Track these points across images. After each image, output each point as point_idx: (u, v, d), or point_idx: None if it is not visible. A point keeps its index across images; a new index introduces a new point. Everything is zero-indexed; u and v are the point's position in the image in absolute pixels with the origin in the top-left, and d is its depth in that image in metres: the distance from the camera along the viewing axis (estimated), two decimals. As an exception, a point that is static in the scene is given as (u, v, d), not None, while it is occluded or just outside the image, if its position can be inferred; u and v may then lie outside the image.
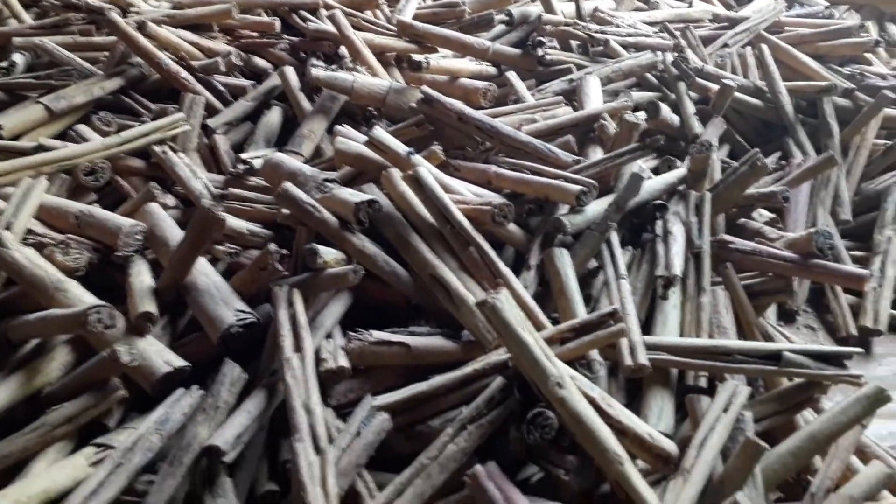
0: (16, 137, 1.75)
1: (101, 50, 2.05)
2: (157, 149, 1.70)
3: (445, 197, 1.30)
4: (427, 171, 1.34)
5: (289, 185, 1.31)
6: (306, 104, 1.87)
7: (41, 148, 1.65)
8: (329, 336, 1.20)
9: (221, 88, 1.95)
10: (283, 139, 1.86)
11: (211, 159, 1.82)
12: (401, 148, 1.44)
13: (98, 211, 1.39)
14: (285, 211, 1.36)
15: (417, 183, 1.33)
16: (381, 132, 1.44)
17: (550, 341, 1.10)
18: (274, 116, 1.89)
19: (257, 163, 1.65)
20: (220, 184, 1.68)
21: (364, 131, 1.74)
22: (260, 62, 2.13)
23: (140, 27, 1.92)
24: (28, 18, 2.24)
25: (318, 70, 1.80)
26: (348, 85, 1.81)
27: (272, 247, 1.24)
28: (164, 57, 1.90)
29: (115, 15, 1.88)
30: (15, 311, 1.25)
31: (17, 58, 2.01)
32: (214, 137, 1.83)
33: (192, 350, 1.20)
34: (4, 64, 1.98)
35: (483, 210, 1.32)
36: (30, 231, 1.35)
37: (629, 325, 1.18)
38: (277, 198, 1.32)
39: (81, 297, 1.18)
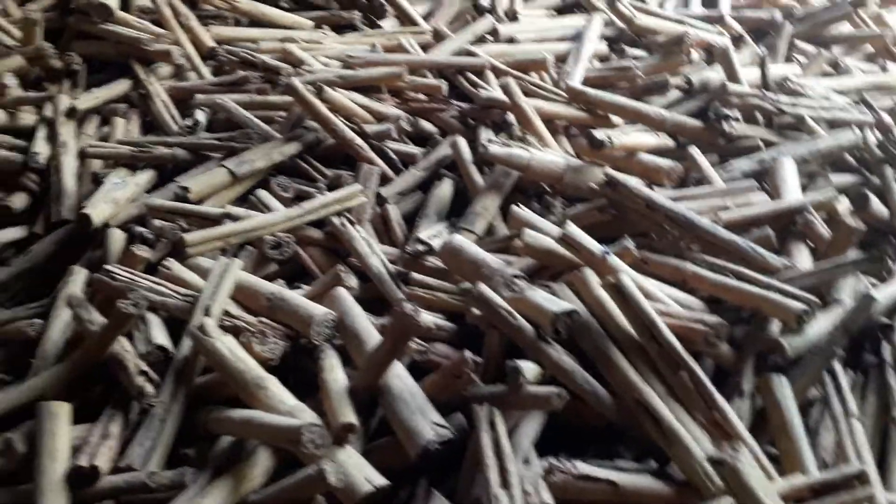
0: (201, 200, 1.82)
1: (276, 109, 2.11)
2: (335, 220, 1.70)
3: (653, 312, 1.21)
4: (630, 279, 1.26)
5: (483, 288, 1.26)
6: (478, 178, 1.83)
7: (227, 216, 1.70)
8: (526, 461, 1.13)
9: (393, 156, 1.95)
10: (453, 212, 1.83)
11: (383, 229, 1.81)
12: (596, 247, 1.36)
13: (289, 295, 1.39)
14: (475, 311, 1.31)
15: (618, 290, 1.25)
16: (574, 229, 1.37)
17: (785, 500, 0.99)
18: (445, 189, 1.86)
19: (434, 242, 1.62)
20: (394, 257, 1.67)
21: (537, 209, 1.69)
22: (426, 125, 2.12)
23: (318, 92, 1.94)
24: (207, 73, 2.34)
25: (495, 147, 1.76)
26: (525, 162, 1.75)
27: (467, 354, 1.19)
28: (340, 124, 1.92)
29: (296, 81, 1.92)
30: (212, 399, 1.27)
31: (200, 116, 2.10)
32: (387, 207, 1.82)
33: (385, 458, 1.16)
34: (189, 122, 2.06)
35: (695, 329, 1.22)
36: (225, 311, 1.37)
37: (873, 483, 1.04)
38: (468, 297, 1.27)
39: (282, 397, 1.18)
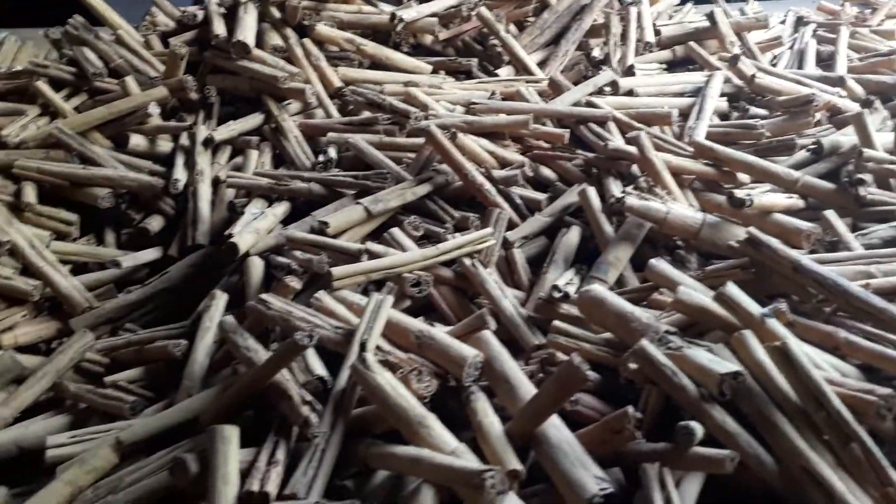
0: (335, 236, 1.88)
1: (403, 150, 2.17)
2: (466, 262, 1.74)
3: (821, 380, 1.19)
4: (797, 344, 1.24)
5: (646, 345, 1.26)
6: (608, 227, 1.84)
7: (367, 251, 1.75)
8: (693, 523, 1.11)
9: (519, 202, 1.98)
10: (578, 259, 1.84)
11: (507, 273, 1.83)
12: (755, 308, 1.34)
13: (438, 334, 1.41)
14: (631, 365, 1.31)
15: (783, 355, 1.23)
16: (734, 289, 1.36)
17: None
18: (573, 236, 1.87)
19: (569, 290, 1.63)
20: (521, 301, 1.69)
21: (673, 262, 1.68)
22: (546, 172, 2.16)
23: (452, 138, 2.00)
24: (335, 111, 2.43)
25: (632, 199, 1.77)
26: (662, 216, 1.75)
27: (630, 410, 1.19)
28: (471, 168, 1.96)
29: (432, 125, 1.97)
30: (366, 432, 1.29)
31: (332, 152, 2.18)
32: (513, 252, 1.85)
33: (543, 508, 1.16)
34: (323, 158, 2.14)
35: (865, 400, 1.19)
36: (377, 347, 1.41)
37: None
38: (631, 352, 1.27)
39: (444, 437, 1.19)
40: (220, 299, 1.76)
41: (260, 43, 2.55)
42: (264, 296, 1.54)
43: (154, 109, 2.30)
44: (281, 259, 1.77)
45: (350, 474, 1.25)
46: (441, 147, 1.96)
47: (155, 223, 2.17)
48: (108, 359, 1.81)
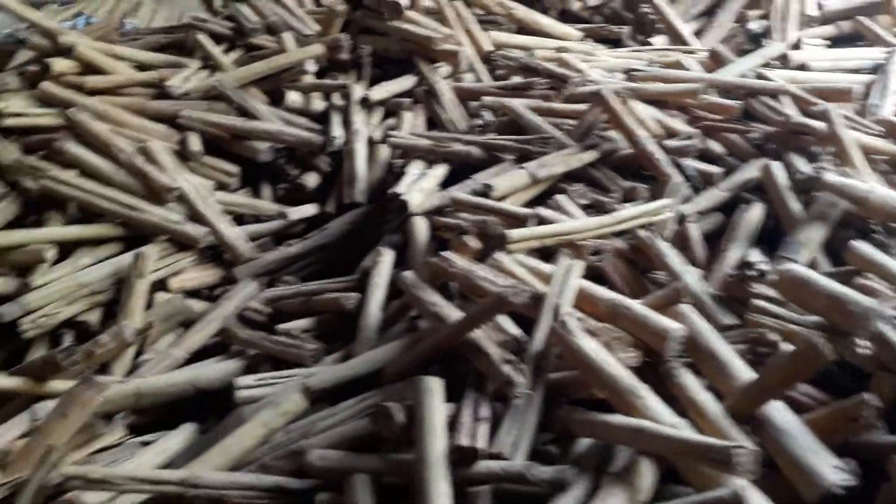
0: (498, 200, 1.83)
1: (561, 117, 2.10)
2: (642, 233, 1.66)
3: None
4: None
5: (885, 328, 1.15)
6: (795, 205, 1.72)
7: (536, 216, 1.69)
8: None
9: (693, 173, 1.88)
10: (761, 239, 1.73)
11: (680, 247, 1.74)
12: None
13: (634, 304, 1.35)
14: (862, 350, 1.20)
15: None
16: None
17: None
18: (756, 213, 1.76)
19: (763, 268, 1.53)
20: (701, 278, 1.60)
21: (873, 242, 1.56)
22: (714, 146, 2.04)
23: (623, 103, 1.91)
24: (485, 75, 2.38)
25: (831, 175, 1.64)
26: (862, 195, 1.62)
27: (867, 397, 1.10)
28: (642, 136, 1.88)
29: (607, 91, 1.89)
30: (564, 396, 1.25)
31: (488, 116, 2.13)
32: (688, 225, 1.75)
33: (771, 494, 1.08)
34: (481, 122, 2.10)
35: None
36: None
37: None
38: (869, 339, 1.17)
39: (659, 409, 1.13)
40: (388, 256, 1.74)
41: (413, 4, 2.52)
42: (445, 253, 1.51)
43: (311, 66, 2.31)
44: (451, 221, 1.74)
45: (549, 439, 1.21)
46: (613, 112, 1.88)
47: (311, 179, 2.18)
48: (272, 308, 1.83)
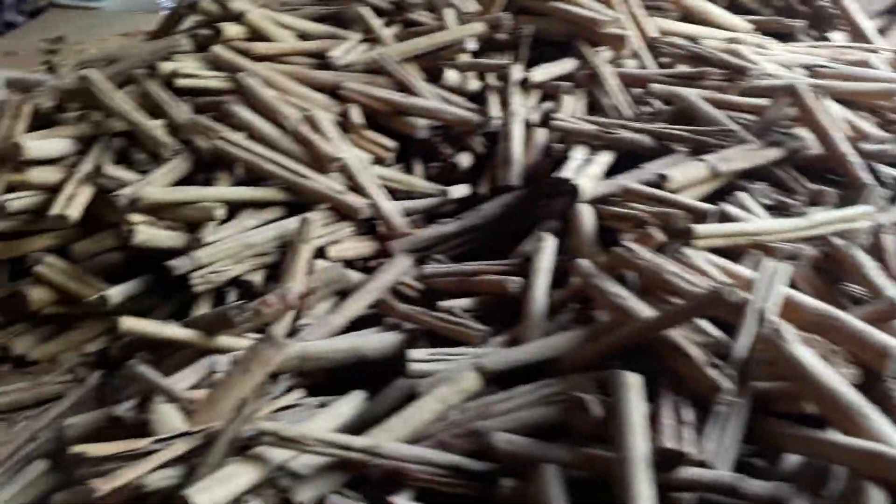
0: (673, 192, 1.74)
1: (737, 110, 1.98)
2: (837, 241, 1.53)
3: None
4: None
5: None
6: None
7: (721, 212, 1.60)
8: None
9: (890, 180, 1.73)
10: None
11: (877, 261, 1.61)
12: None
13: (846, 317, 1.24)
14: None
15: None
16: None
17: None
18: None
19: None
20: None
21: None
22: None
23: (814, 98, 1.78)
24: (650, 62, 2.28)
25: None
26: None
27: None
28: (837, 136, 1.74)
29: (801, 85, 1.76)
30: (770, 409, 1.16)
31: (658, 104, 2.04)
32: (885, 237, 1.61)
33: None
34: (650, 109, 2.01)
35: None
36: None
37: None
38: None
39: (886, 432, 1.03)
40: (550, 241, 1.69)
41: (573, -15, 2.44)
42: (629, 243, 1.44)
43: (471, 45, 2.27)
44: (621, 209, 1.67)
45: (752, 452, 1.13)
46: (806, 109, 1.75)
47: (465, 159, 2.15)
48: (425, 284, 1.81)
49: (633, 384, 1.11)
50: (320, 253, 1.88)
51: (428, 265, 1.88)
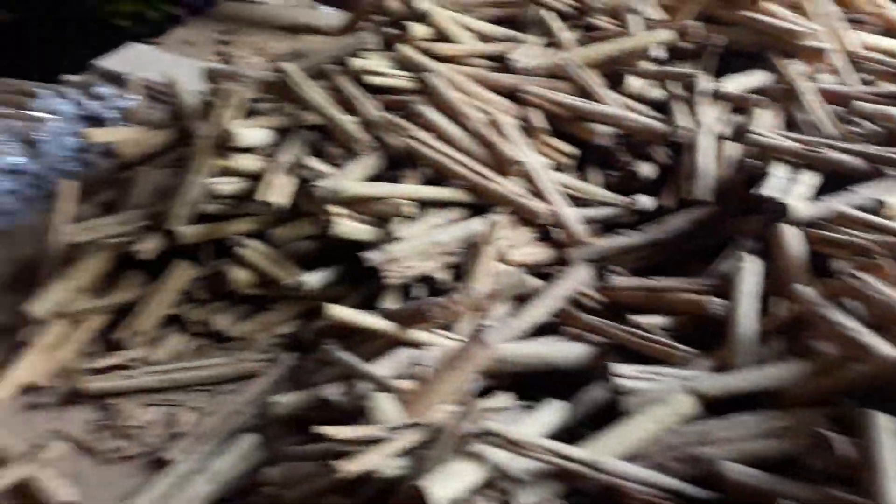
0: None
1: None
2: None
3: None
4: None
5: None
6: None
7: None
8: None
9: None
10: None
11: None
12: None
13: None
14: None
15: None
16: None
17: None
18: None
19: None
20: None
21: None
22: None
23: None
24: (852, 78, 2.15)
25: None
26: None
27: None
28: None
29: None
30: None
31: (866, 123, 1.92)
32: None
33: None
34: (860, 130, 1.90)
35: None
36: None
37: None
38: None
39: None
40: (754, 263, 1.62)
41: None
42: (858, 273, 1.36)
43: (658, 52, 2.22)
44: (834, 234, 1.58)
45: None
46: None
47: (646, 169, 2.10)
48: (607, 297, 1.79)
49: (885, 426, 1.05)
50: (499, 257, 1.90)
51: (608, 276, 1.86)
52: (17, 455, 1.67)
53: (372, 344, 1.71)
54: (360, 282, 1.92)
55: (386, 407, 1.34)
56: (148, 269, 2.10)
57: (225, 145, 2.00)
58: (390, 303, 1.81)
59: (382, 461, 1.14)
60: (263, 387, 1.83)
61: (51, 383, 1.88)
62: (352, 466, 1.11)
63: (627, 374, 1.39)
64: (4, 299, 2.17)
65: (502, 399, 1.41)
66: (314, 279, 1.91)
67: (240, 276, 1.97)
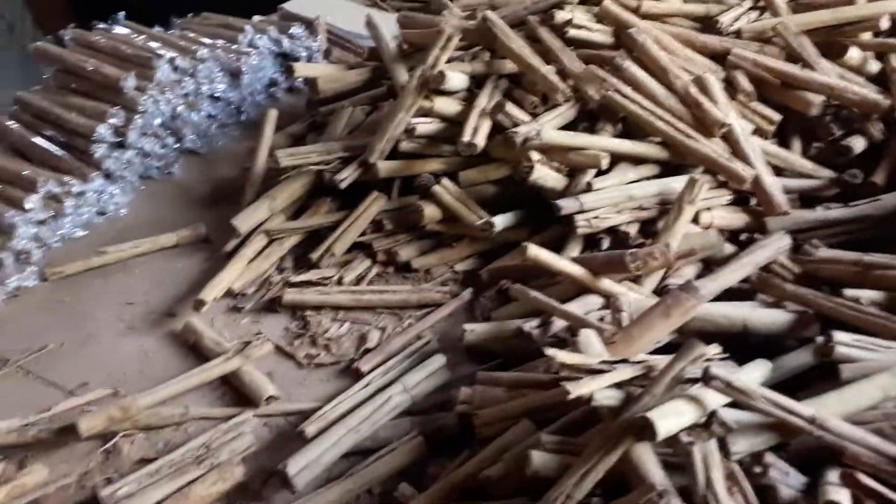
0: None
1: None
2: None
3: None
4: None
5: None
6: None
7: None
8: None
9: None
10: None
11: None
12: None
13: None
14: None
15: None
16: None
17: None
18: None
19: None
20: None
21: None
22: None
23: None
24: None
25: None
26: None
27: None
28: None
29: None
30: None
31: None
32: None
33: None
34: None
35: None
36: None
37: None
38: None
39: None
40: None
41: None
42: None
43: (885, 23, 2.08)
44: None
45: None
46: None
47: (858, 144, 1.99)
48: (804, 268, 1.73)
49: None
50: (693, 217, 1.87)
51: (806, 248, 1.79)
52: (227, 349, 1.84)
53: (556, 288, 1.75)
54: (539, 229, 1.96)
55: (593, 344, 1.37)
56: (338, 197, 2.24)
57: (432, 87, 2.07)
58: (574, 251, 1.84)
59: (600, 391, 1.17)
60: (444, 316, 1.92)
61: (251, 291, 2.06)
62: (579, 390, 1.14)
63: (846, 342, 1.34)
64: (207, 213, 2.39)
65: (713, 351, 1.40)
66: (502, 221, 1.96)
67: (430, 213, 2.05)
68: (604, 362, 1.25)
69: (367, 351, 1.83)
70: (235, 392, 1.77)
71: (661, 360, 1.24)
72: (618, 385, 1.23)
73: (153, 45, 2.63)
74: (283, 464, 1.49)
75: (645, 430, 1.11)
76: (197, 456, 1.56)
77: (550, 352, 1.24)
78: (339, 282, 2.04)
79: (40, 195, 2.18)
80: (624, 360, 1.26)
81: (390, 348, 1.82)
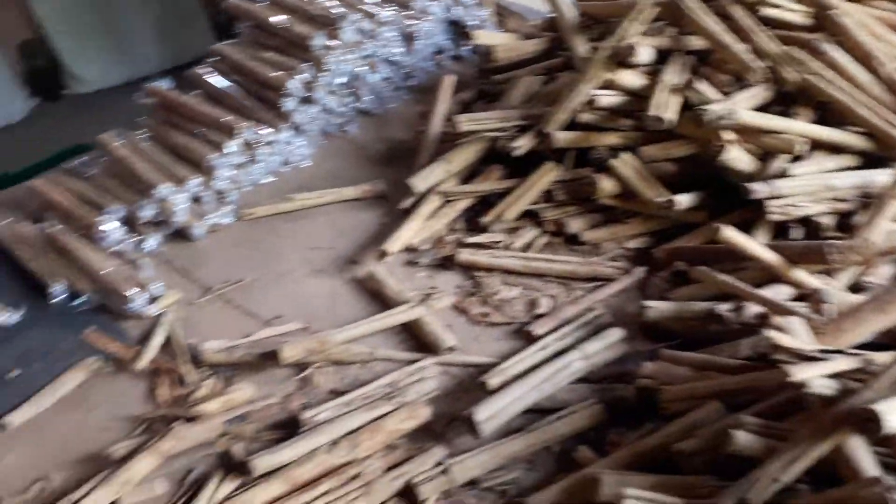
0: None
1: None
2: None
3: None
4: None
5: None
6: None
7: None
8: None
9: None
10: None
11: None
12: None
13: None
14: None
15: None
16: None
17: None
18: None
19: None
20: None
21: None
22: None
23: None
24: None
25: None
26: None
27: None
28: None
29: None
30: None
31: None
32: None
33: None
34: None
35: None
36: None
37: None
38: None
39: None
40: None
41: None
42: None
43: None
44: None
45: None
46: None
47: None
48: None
49: None
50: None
51: None
52: (409, 298, 1.95)
53: (741, 274, 1.72)
54: (718, 211, 1.92)
55: (800, 332, 1.35)
56: (508, 165, 2.29)
57: (621, 59, 2.06)
58: (762, 237, 1.80)
59: (817, 378, 1.16)
60: (615, 291, 1.94)
61: (426, 248, 2.16)
62: (800, 374, 1.15)
63: None
64: (383, 172, 2.51)
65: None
66: (685, 200, 1.94)
67: (606, 186, 2.06)
68: (822, 350, 1.24)
69: (539, 316, 1.89)
70: (415, 339, 1.87)
71: (881, 356, 1.21)
72: (834, 375, 1.21)
73: (329, 4, 2.71)
74: (470, 410, 1.57)
75: (868, 423, 1.10)
76: (386, 393, 1.67)
77: (772, 334, 1.24)
78: (507, 247, 2.10)
79: (239, 141, 2.36)
80: (839, 351, 1.24)
81: (563, 316, 1.86)
